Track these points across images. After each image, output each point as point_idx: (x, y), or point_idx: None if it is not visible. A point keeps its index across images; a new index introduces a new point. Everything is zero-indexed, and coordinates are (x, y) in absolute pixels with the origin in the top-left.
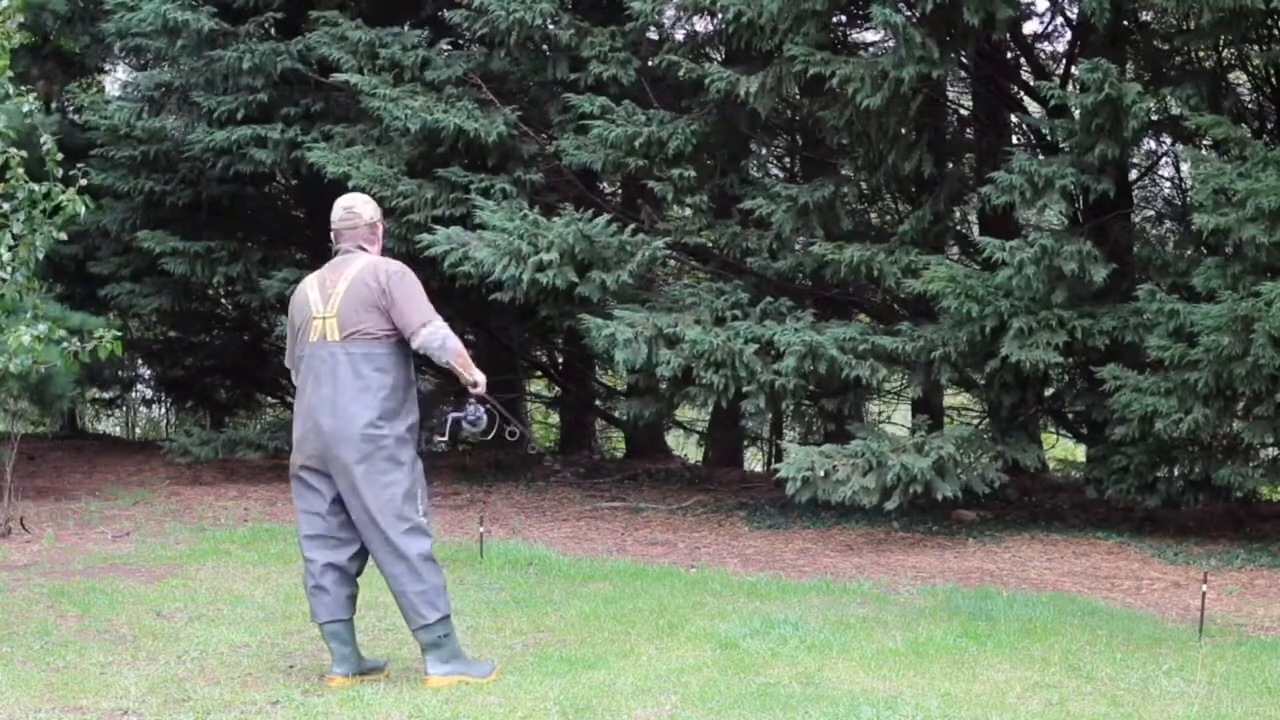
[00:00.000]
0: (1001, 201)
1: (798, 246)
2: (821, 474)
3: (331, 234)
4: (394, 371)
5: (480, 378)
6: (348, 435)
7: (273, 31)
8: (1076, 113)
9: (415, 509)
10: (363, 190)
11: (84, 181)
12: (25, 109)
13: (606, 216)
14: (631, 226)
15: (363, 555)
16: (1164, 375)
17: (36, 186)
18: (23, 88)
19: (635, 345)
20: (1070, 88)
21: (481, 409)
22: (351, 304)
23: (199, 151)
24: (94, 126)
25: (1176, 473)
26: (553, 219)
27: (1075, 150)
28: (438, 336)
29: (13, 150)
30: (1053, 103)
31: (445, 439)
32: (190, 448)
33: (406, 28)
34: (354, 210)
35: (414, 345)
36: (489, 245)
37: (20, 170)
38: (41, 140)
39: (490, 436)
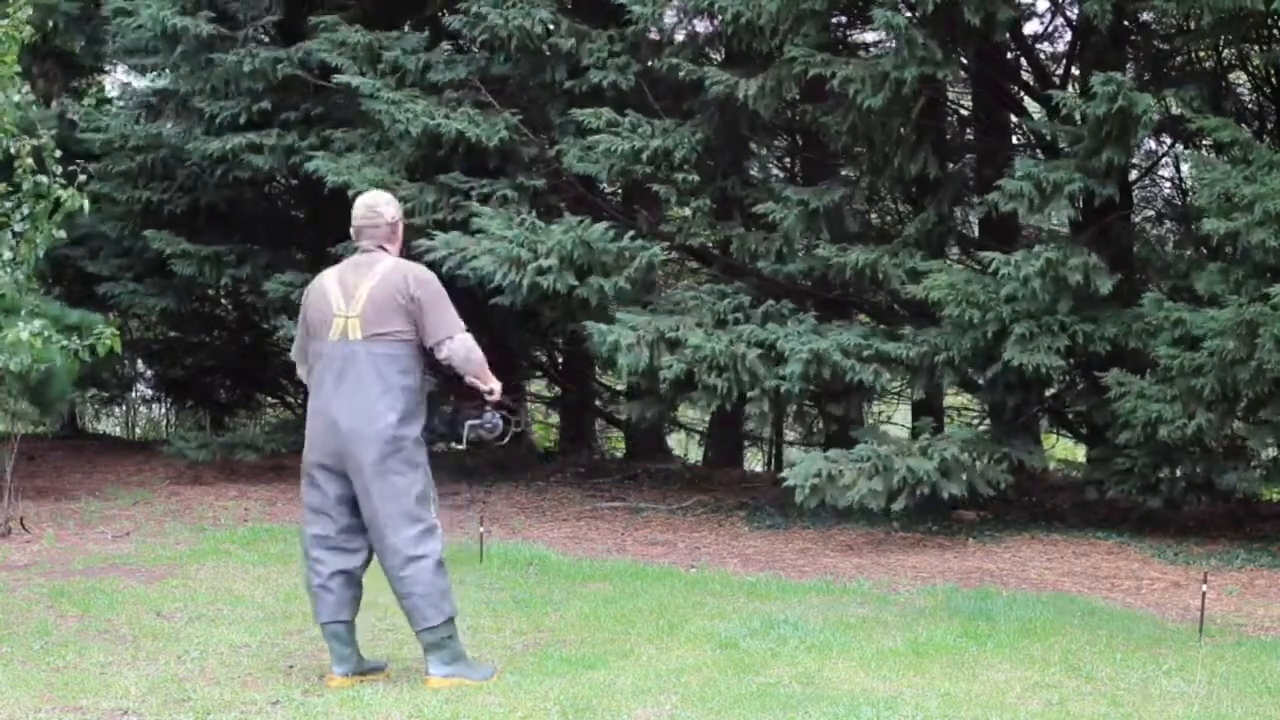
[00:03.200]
0: (1009, 208)
1: (799, 249)
2: (828, 479)
3: (352, 231)
4: (413, 374)
5: (497, 385)
6: (368, 435)
7: (271, 34)
8: (1078, 118)
9: (429, 510)
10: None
11: (83, 178)
12: (16, 99)
13: (605, 223)
14: (631, 233)
15: (370, 557)
16: (1168, 381)
17: (44, 178)
18: (18, 83)
19: (638, 349)
20: (1070, 89)
21: (497, 416)
22: (377, 305)
23: (197, 159)
24: (94, 132)
25: (1178, 474)
26: (551, 225)
27: (1080, 155)
28: (464, 350)
29: (25, 138)
30: (1064, 111)
31: (461, 445)
32: (187, 450)
33: (407, 28)
34: (376, 209)
35: (439, 356)
36: (488, 252)
37: (29, 160)
38: (40, 135)
39: (505, 441)
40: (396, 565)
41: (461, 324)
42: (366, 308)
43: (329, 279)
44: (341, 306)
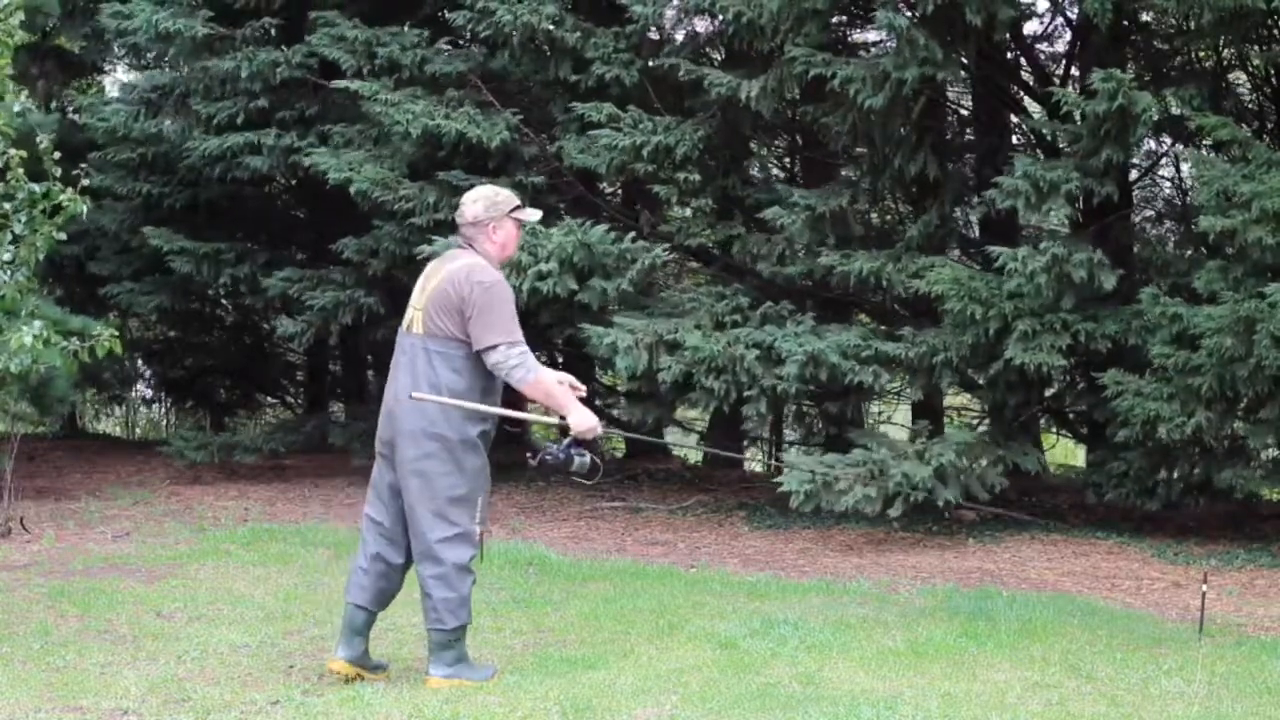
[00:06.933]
0: (1006, 206)
1: (799, 249)
2: (823, 484)
3: None
4: (468, 375)
5: (581, 420)
6: (412, 429)
7: (272, 33)
8: (1078, 116)
9: (467, 516)
10: (364, 194)
11: (86, 182)
12: (16, 108)
13: (605, 226)
14: (632, 234)
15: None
16: (1166, 380)
17: (36, 187)
18: (13, 86)
19: (636, 352)
20: (1070, 88)
21: (583, 456)
22: (436, 302)
23: (195, 159)
24: (92, 129)
25: (1177, 475)
26: (550, 228)
27: (1079, 154)
28: (507, 364)
29: (12, 150)
30: (1064, 109)
31: (536, 468)
32: (186, 451)
33: (406, 28)
34: (462, 206)
35: (488, 365)
36: None
37: (20, 170)
38: (38, 139)
39: (592, 483)
40: (422, 563)
41: (512, 334)
42: (428, 303)
43: (427, 269)
44: (417, 298)
